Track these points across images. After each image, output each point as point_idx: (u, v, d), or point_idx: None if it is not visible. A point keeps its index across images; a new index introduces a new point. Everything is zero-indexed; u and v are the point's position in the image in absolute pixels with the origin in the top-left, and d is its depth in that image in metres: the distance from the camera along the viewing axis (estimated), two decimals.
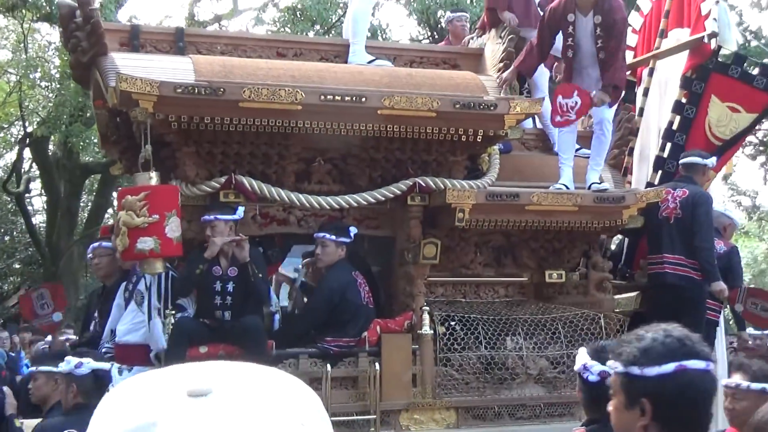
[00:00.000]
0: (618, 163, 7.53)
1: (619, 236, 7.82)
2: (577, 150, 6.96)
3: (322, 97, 5.75)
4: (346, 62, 6.75)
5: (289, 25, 21.37)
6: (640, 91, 7.92)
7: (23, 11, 19.26)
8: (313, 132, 5.89)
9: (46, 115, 20.45)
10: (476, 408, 6.19)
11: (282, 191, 6.02)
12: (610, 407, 2.39)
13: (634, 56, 8.04)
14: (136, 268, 5.99)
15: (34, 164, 24.55)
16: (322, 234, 6.17)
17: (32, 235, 24.01)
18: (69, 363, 4.52)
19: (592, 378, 3.00)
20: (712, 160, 7.22)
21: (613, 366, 2.38)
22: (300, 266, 6.80)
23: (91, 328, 6.89)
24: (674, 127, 7.34)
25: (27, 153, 24.00)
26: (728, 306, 7.65)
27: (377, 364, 5.88)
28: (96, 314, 6.80)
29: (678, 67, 7.48)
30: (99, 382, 4.56)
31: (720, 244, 7.35)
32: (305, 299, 6.66)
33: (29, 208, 26.39)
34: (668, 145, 7.36)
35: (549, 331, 6.47)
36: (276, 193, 5.99)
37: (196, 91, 5.54)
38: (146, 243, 5.35)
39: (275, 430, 0.88)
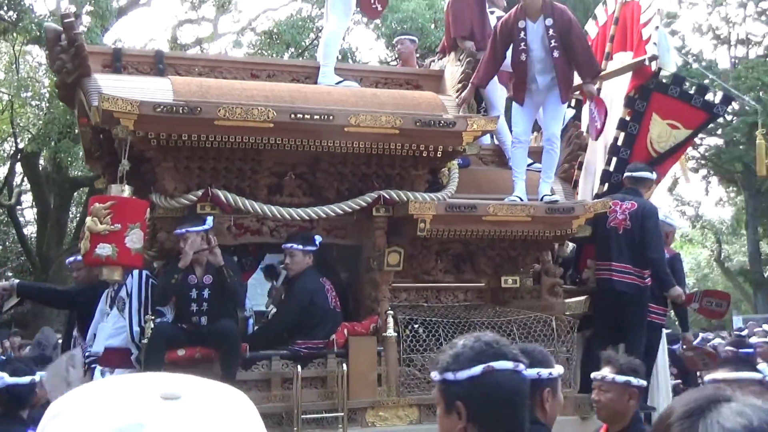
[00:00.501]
0: (568, 177, 7.57)
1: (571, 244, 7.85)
2: (529, 165, 6.99)
3: (293, 115, 5.75)
4: (316, 83, 6.75)
5: (265, 48, 21.37)
6: (586, 109, 7.97)
7: (14, 34, 19.13)
8: (285, 148, 5.87)
9: (36, 132, 20.31)
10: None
11: (255, 203, 6.01)
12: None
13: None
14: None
15: (25, 178, 24.39)
16: (289, 244, 6.17)
17: (23, 245, 23.83)
18: None
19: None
20: (655, 174, 7.30)
21: (433, 375, 2.36)
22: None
23: (74, 333, 6.84)
24: (619, 142, 7.40)
25: (18, 167, 23.85)
26: (673, 308, 7.68)
27: (344, 365, 5.86)
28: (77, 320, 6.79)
29: (622, 87, 7.53)
30: (13, 397, 4.50)
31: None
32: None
33: (21, 219, 26.24)
34: (614, 160, 7.42)
35: (505, 333, 6.46)
36: (250, 205, 5.98)
37: (174, 110, 5.52)
38: (104, 249, 5.30)
39: (240, 428, 0.92)
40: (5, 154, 26.06)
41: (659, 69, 7.33)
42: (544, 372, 2.83)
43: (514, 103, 6.92)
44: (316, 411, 5.84)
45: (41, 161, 22.13)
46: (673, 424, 1.12)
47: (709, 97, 7.67)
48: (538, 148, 7.25)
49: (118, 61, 6.31)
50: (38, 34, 16.98)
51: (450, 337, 6.30)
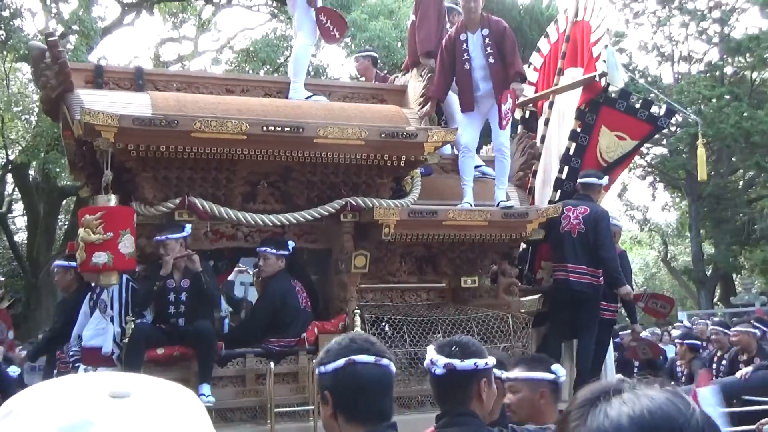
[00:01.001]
0: (523, 184, 7.61)
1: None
2: (477, 167, 7.06)
3: (265, 128, 5.72)
4: (287, 97, 6.74)
5: (243, 65, 21.33)
6: (541, 121, 8.03)
7: (4, 52, 18.96)
8: (257, 158, 5.86)
9: (26, 144, 20.17)
10: (402, 397, 6.17)
11: (230, 211, 5.98)
12: None
13: (536, 91, 8.15)
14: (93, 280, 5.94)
15: (15, 188, 24.18)
16: (263, 248, 6.14)
17: (14, 251, 23.64)
18: None
19: (439, 371, 2.81)
20: (605, 180, 7.34)
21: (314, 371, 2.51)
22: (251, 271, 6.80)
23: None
24: (571, 152, 7.43)
25: (9, 178, 23.65)
26: (623, 304, 7.71)
27: (314, 361, 5.83)
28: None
29: (573, 101, 7.56)
30: None
31: None
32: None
33: (12, 227, 26.01)
34: (566, 168, 7.45)
35: (465, 329, 6.48)
36: (225, 212, 5.95)
37: (153, 123, 5.48)
38: (100, 257, 5.28)
39: (188, 425, 0.88)
40: None
41: (608, 84, 7.38)
42: (481, 362, 2.79)
43: (461, 114, 6.95)
44: (289, 405, 5.82)
45: (31, 172, 21.95)
46: (571, 412, 1.10)
47: (653, 110, 7.73)
48: (489, 157, 7.34)
49: (99, 77, 6.27)
50: (27, 52, 16.83)
51: (414, 333, 6.31)
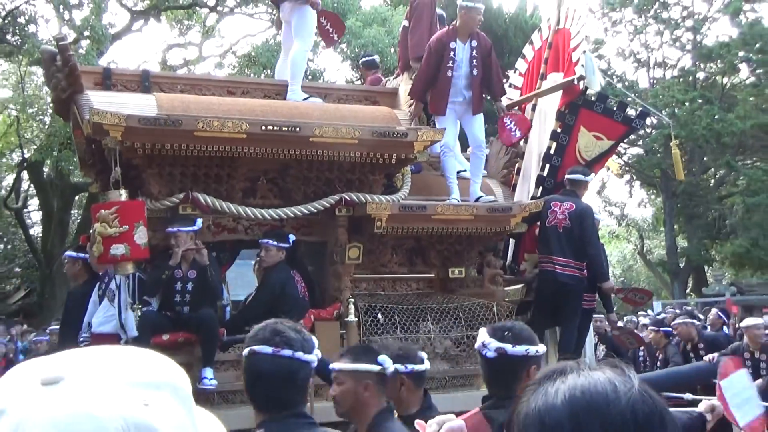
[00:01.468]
0: (507, 181, 7.61)
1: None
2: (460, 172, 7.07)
3: (264, 127, 5.71)
4: (285, 99, 6.72)
5: (245, 68, 21.30)
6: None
7: (19, 57, 18.90)
8: (257, 156, 5.84)
9: (40, 143, 20.14)
10: None
11: (231, 205, 5.96)
12: None
13: (520, 95, 8.13)
14: (108, 270, 5.91)
15: (31, 184, 24.15)
16: (265, 240, 6.12)
17: (30, 244, 23.61)
18: None
19: (490, 354, 2.73)
20: (591, 176, 7.34)
21: None
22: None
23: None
24: (552, 151, 7.41)
25: (25, 175, 23.61)
26: (599, 294, 7.70)
27: None
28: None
29: (554, 103, 7.54)
30: None
31: None
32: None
33: (27, 221, 25.98)
34: (547, 167, 7.43)
35: (452, 317, 6.49)
36: (226, 206, 5.94)
37: (158, 122, 5.47)
38: (118, 249, 5.27)
39: (116, 408, 0.80)
40: (13, 163, 25.84)
41: (586, 88, 7.36)
42: (532, 349, 2.73)
43: (439, 117, 6.93)
44: None
45: (45, 169, 21.91)
46: (527, 388, 1.10)
47: (628, 112, 7.71)
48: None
49: (107, 80, 6.25)
50: (41, 56, 16.78)
51: (404, 321, 6.31)
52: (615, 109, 7.54)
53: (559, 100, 7.49)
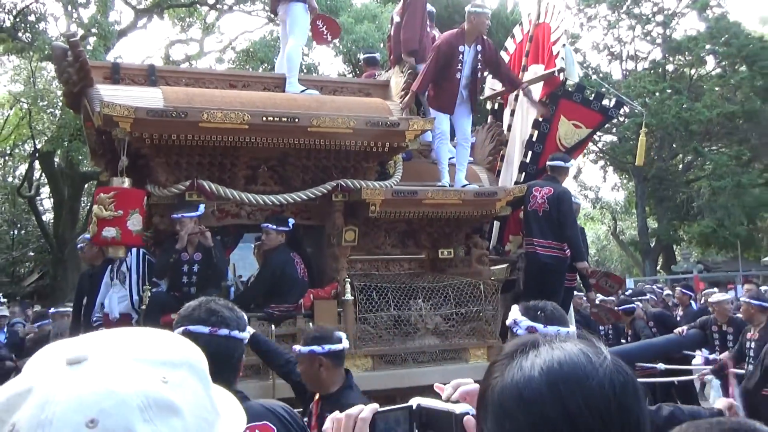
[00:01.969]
0: (492, 167, 7.58)
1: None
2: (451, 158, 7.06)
3: (264, 118, 5.67)
4: (283, 91, 6.67)
5: (243, 64, 21.17)
6: (507, 111, 8.01)
7: (31, 53, 18.74)
8: (258, 145, 5.80)
9: (51, 134, 20.00)
10: (387, 355, 6.17)
11: (234, 192, 5.93)
12: None
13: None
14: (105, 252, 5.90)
15: (42, 174, 24.01)
16: (266, 224, 6.09)
17: (42, 230, 23.53)
18: None
19: (520, 332, 2.63)
20: (571, 162, 7.33)
21: None
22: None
23: (84, 302, 6.70)
24: (534, 139, 7.40)
25: (37, 165, 23.48)
26: (580, 275, 7.71)
27: (311, 324, 5.82)
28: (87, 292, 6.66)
29: (536, 93, 7.53)
30: None
31: None
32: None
33: (39, 208, 25.87)
34: (530, 153, 7.42)
35: (442, 295, 6.49)
36: (230, 193, 5.90)
37: (165, 114, 5.42)
38: (110, 232, 5.24)
39: (137, 385, 0.80)
40: (25, 154, 25.69)
41: (565, 79, 7.34)
42: (563, 330, 2.61)
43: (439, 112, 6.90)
44: None
45: (56, 159, 21.78)
46: (494, 364, 1.07)
47: (605, 102, 7.71)
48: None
49: (116, 74, 6.18)
50: (51, 52, 16.65)
51: (397, 299, 6.30)
52: (592, 99, 7.53)
53: (540, 91, 7.48)
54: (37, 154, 22.22)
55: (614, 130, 29.38)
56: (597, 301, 8.87)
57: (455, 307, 6.46)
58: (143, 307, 5.59)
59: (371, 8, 21.30)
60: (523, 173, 7.40)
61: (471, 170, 7.21)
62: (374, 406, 1.25)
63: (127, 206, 5.26)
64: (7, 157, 27.20)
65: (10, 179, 28.78)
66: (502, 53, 8.35)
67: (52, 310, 10.07)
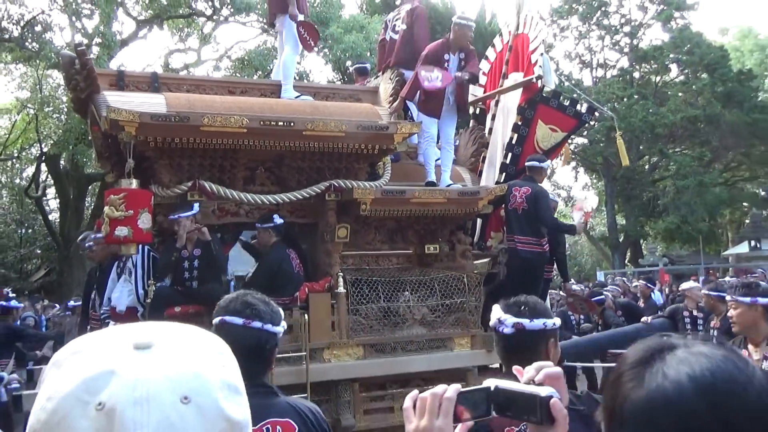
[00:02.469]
0: (474, 168, 7.59)
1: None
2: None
3: (262, 122, 5.64)
4: (279, 97, 6.64)
5: (239, 71, 21.09)
6: (489, 116, 8.01)
7: (38, 61, 18.58)
8: (256, 148, 5.78)
9: (57, 138, 19.84)
10: (378, 344, 6.17)
11: (234, 192, 5.90)
12: None
13: (484, 92, 8.11)
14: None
15: (49, 175, 23.82)
16: (257, 224, 6.11)
17: (49, 228, 23.37)
18: None
19: (507, 330, 2.41)
20: (547, 163, 7.35)
21: None
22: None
23: (93, 296, 6.65)
24: (513, 142, 7.41)
25: (43, 167, 23.30)
26: (556, 264, 7.73)
27: (306, 315, 5.81)
28: (95, 287, 6.60)
29: (515, 99, 7.54)
30: None
31: None
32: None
33: (46, 208, 25.67)
34: (509, 155, 7.43)
35: (428, 287, 6.49)
36: (229, 193, 5.87)
37: (168, 119, 5.38)
38: (122, 231, 5.19)
39: (213, 369, 0.84)
40: (32, 157, 25.50)
41: (543, 86, 7.37)
42: (549, 322, 2.44)
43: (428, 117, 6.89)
44: (285, 351, 5.77)
45: (62, 162, 21.63)
46: (623, 373, 0.94)
47: (578, 107, 7.74)
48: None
49: (121, 81, 6.12)
50: (57, 60, 16.55)
51: (387, 291, 6.30)
52: (567, 104, 7.56)
53: (519, 97, 7.49)
54: (43, 157, 22.06)
55: (585, 133, 29.50)
56: (572, 291, 8.93)
57: (441, 299, 6.47)
58: (148, 300, 5.55)
59: (359, 19, 21.26)
60: (504, 173, 7.42)
61: (455, 171, 7.21)
62: (458, 386, 1.20)
63: (137, 206, 5.22)
64: (15, 160, 26.97)
65: (17, 181, 28.58)
66: (483, 61, 8.37)
67: (71, 303, 10.06)
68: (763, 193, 29.79)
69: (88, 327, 6.57)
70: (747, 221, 30.79)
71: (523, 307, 2.46)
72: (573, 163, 33.66)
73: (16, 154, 26.09)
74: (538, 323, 2.41)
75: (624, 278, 14.61)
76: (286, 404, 2.30)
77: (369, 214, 6.23)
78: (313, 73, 24.45)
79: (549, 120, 7.44)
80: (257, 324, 2.24)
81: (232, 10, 21.75)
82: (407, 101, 6.95)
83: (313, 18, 16.71)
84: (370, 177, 6.46)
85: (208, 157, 5.86)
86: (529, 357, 2.16)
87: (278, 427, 2.24)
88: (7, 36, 18.83)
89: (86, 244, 6.60)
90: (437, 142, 7.18)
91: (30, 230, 27.50)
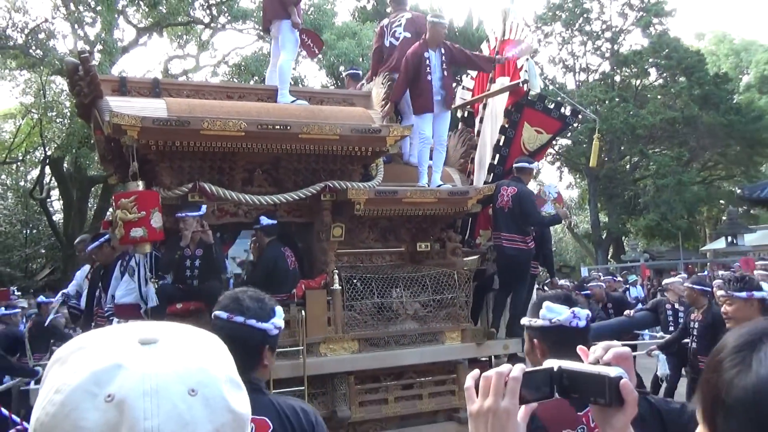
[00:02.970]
0: (464, 169, 7.61)
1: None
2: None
3: (259, 126, 5.64)
4: (275, 102, 6.63)
5: (236, 76, 21.04)
6: (477, 119, 8.02)
7: (41, 67, 18.49)
8: (254, 151, 5.78)
9: (60, 142, 19.74)
10: (372, 338, 6.18)
11: (232, 193, 5.89)
12: None
13: (472, 95, 8.13)
14: (128, 250, 5.83)
15: (52, 178, 23.70)
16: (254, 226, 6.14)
17: (53, 229, 23.25)
18: None
19: (581, 324, 2.22)
20: (535, 164, 7.35)
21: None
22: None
23: (98, 294, 6.63)
24: (501, 143, 7.41)
25: (47, 170, 23.18)
26: (543, 261, 7.74)
27: (303, 311, 5.81)
28: (100, 285, 6.58)
29: (503, 102, 7.54)
30: None
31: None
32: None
33: (50, 209, 25.56)
34: (497, 156, 7.44)
35: (420, 284, 6.50)
36: (228, 194, 5.86)
37: (169, 123, 5.37)
38: (137, 232, 5.19)
39: (218, 364, 0.85)
40: (37, 160, 25.38)
41: (529, 90, 7.38)
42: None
43: (425, 114, 6.88)
44: (283, 346, 5.77)
45: (65, 164, 21.52)
46: (725, 359, 0.86)
47: (563, 110, 7.75)
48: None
49: (124, 87, 6.10)
50: (60, 67, 16.48)
51: (380, 288, 6.31)
52: (552, 108, 7.56)
53: (506, 100, 7.50)
54: (47, 160, 21.96)
55: (569, 134, 29.59)
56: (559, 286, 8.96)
57: (432, 295, 6.48)
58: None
59: (351, 26, 21.26)
60: (492, 174, 7.43)
61: (445, 172, 7.22)
62: (522, 366, 1.11)
63: (148, 206, 5.22)
64: (19, 163, 26.83)
65: (22, 183, 28.43)
66: None
67: (40, 298, 10.10)
68: (738, 191, 29.97)
69: (93, 324, 6.56)
70: (724, 218, 30.95)
71: (571, 300, 2.31)
72: (557, 164, 33.77)
73: (21, 158, 25.96)
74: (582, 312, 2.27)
75: (612, 278, 14.68)
76: (269, 402, 2.21)
77: (363, 214, 6.23)
78: (308, 78, 24.39)
79: (535, 122, 7.44)
80: (239, 319, 2.19)
81: (229, 17, 21.69)
82: (397, 106, 6.97)
83: (308, 25, 16.70)
84: (363, 178, 6.46)
85: (207, 160, 5.85)
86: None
87: (252, 424, 2.12)
88: (11, 43, 18.74)
89: (88, 248, 6.59)
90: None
91: (35, 231, 27.38)
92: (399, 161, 7.34)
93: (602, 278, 13.49)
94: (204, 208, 5.72)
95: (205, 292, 5.63)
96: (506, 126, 7.38)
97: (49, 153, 21.58)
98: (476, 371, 1.14)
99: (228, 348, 0.91)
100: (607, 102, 28.48)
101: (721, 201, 34.34)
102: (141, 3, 19.41)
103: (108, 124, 5.26)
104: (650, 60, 29.86)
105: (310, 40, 6.96)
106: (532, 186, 7.68)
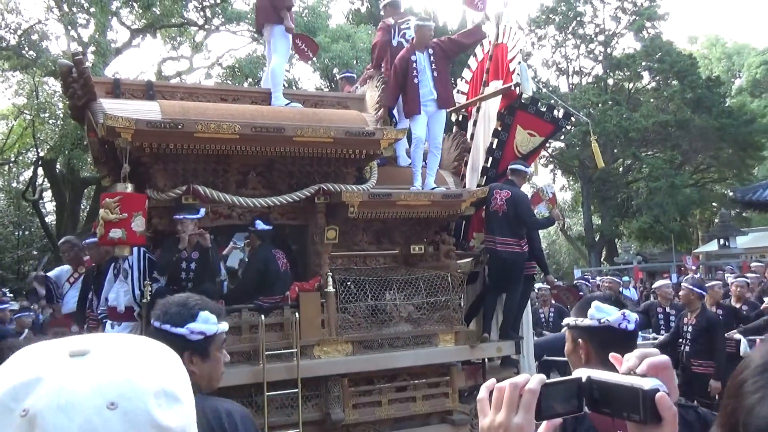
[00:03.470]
0: (457, 171, 7.62)
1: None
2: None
3: (253, 129, 5.64)
4: (269, 104, 6.63)
5: (230, 79, 21.02)
6: (471, 122, 8.04)
7: (34, 69, 18.42)
8: (248, 153, 5.78)
9: (53, 143, 19.69)
10: (366, 341, 6.19)
11: (226, 195, 5.90)
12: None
13: (467, 99, 8.15)
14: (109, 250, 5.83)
15: (45, 179, 23.62)
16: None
17: (45, 231, 23.17)
18: None
19: (631, 327, 2.15)
20: (531, 168, 7.37)
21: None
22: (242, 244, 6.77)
23: (90, 297, 6.61)
24: (494, 146, 7.43)
25: (40, 171, 23.09)
26: (535, 259, 7.74)
27: (297, 314, 5.82)
28: (92, 288, 6.56)
29: (496, 106, 7.56)
30: None
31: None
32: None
33: (42, 210, 25.46)
34: (490, 159, 7.46)
35: (414, 286, 6.51)
36: (222, 197, 5.86)
37: (162, 125, 5.37)
38: (116, 233, 5.16)
39: (147, 375, 0.81)
40: (29, 161, 25.28)
41: (521, 93, 7.40)
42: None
43: (415, 116, 6.91)
44: (276, 348, 5.78)
45: (58, 166, 21.44)
46: (748, 380, 0.78)
47: (555, 113, 7.77)
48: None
49: (117, 89, 6.09)
50: (53, 68, 16.42)
51: (374, 290, 6.32)
52: (545, 110, 7.59)
53: (499, 104, 7.52)
54: (40, 161, 21.88)
55: (562, 137, 29.67)
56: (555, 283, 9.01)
57: (426, 297, 6.49)
58: (144, 300, 5.52)
59: (345, 29, 21.27)
60: (485, 177, 7.44)
61: (438, 174, 7.24)
62: (542, 377, 0.99)
63: (131, 209, 5.19)
64: (12, 164, 26.72)
65: (15, 184, 28.30)
66: (465, 70, 8.42)
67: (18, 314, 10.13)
68: (731, 194, 30.12)
69: (86, 327, 6.55)
70: (716, 221, 31.08)
71: (621, 301, 2.24)
72: (551, 166, 33.85)
73: (13, 159, 25.85)
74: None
75: (607, 281, 14.70)
76: (199, 408, 2.22)
77: (357, 216, 6.24)
78: (302, 80, 24.39)
79: (527, 125, 7.47)
80: (156, 324, 2.20)
81: (223, 19, 21.67)
82: (391, 110, 6.99)
83: (302, 28, 16.72)
84: (357, 181, 6.47)
85: (201, 162, 5.85)
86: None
87: None
88: (4, 44, 18.67)
89: (86, 241, 6.58)
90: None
91: (27, 232, 27.27)
92: (393, 164, 7.35)
93: (607, 279, 13.30)
94: (203, 211, 5.73)
95: (200, 294, 5.61)
96: (499, 129, 7.40)
97: (41, 154, 21.52)
98: (492, 381, 1.04)
99: None
100: (600, 105, 28.58)
101: (714, 204, 34.48)
102: (134, 4, 19.36)
103: (102, 126, 5.26)
104: (643, 63, 29.98)
105: (304, 44, 6.97)
106: (527, 189, 7.71)
